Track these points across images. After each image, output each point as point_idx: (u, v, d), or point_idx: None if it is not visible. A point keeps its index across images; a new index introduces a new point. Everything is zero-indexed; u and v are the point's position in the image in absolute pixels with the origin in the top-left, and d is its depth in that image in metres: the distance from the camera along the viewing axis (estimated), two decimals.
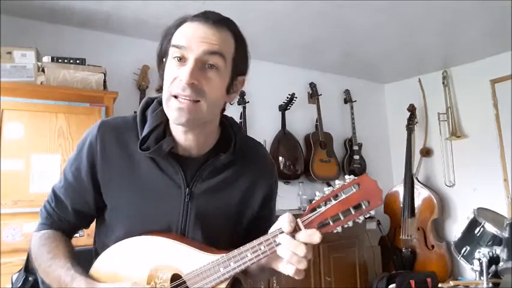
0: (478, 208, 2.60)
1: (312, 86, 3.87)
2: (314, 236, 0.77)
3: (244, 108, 3.35)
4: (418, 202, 3.72)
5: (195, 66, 0.83)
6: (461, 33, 3.20)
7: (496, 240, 2.30)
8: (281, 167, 3.44)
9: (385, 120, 4.59)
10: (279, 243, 0.80)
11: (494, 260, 2.13)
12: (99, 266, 0.92)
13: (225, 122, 1.00)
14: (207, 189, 0.95)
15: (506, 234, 2.18)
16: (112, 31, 2.96)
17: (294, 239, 0.78)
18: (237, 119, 3.00)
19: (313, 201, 0.80)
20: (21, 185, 2.13)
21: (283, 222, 0.79)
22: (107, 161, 0.93)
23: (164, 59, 0.90)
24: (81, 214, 0.98)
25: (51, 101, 2.28)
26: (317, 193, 0.81)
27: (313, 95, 3.85)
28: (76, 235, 1.05)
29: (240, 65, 0.92)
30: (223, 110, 0.98)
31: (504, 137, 3.55)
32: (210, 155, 0.96)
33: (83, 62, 2.44)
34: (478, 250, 2.21)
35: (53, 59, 2.36)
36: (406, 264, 3.59)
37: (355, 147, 3.96)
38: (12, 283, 1.06)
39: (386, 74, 4.33)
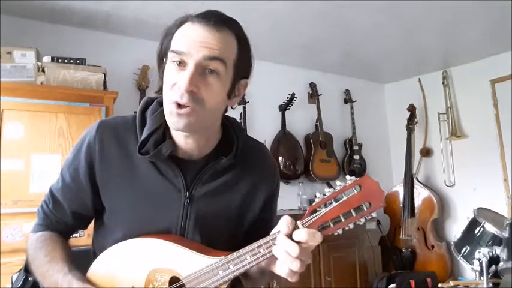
0: (478, 208, 2.60)
1: (312, 86, 3.87)
2: (315, 235, 0.75)
3: (244, 108, 3.35)
4: (418, 202, 3.72)
5: (194, 72, 0.80)
6: (461, 33, 3.20)
7: (496, 240, 2.30)
8: (281, 167, 3.44)
9: (385, 120, 4.59)
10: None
11: (494, 260, 2.13)
12: (96, 269, 0.90)
13: (227, 123, 0.98)
14: (207, 193, 0.93)
15: (506, 234, 2.18)
16: (112, 31, 2.96)
17: (292, 240, 0.76)
18: (237, 119, 3.00)
19: (314, 203, 0.79)
20: (21, 185, 2.13)
21: (282, 225, 0.78)
22: (105, 162, 0.91)
23: (164, 59, 0.88)
24: (79, 216, 0.96)
25: (51, 101, 2.28)
26: (317, 194, 0.80)
27: (313, 95, 3.85)
28: (76, 235, 1.03)
29: (242, 68, 0.89)
30: (225, 111, 0.96)
31: (504, 137, 3.55)
32: (211, 157, 0.94)
33: (83, 62, 2.44)
34: (478, 250, 2.20)
35: (53, 59, 2.36)
36: (406, 264, 3.59)
37: (355, 147, 3.96)
38: (12, 283, 1.06)
39: (386, 74, 4.33)
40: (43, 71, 2.31)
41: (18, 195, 2.11)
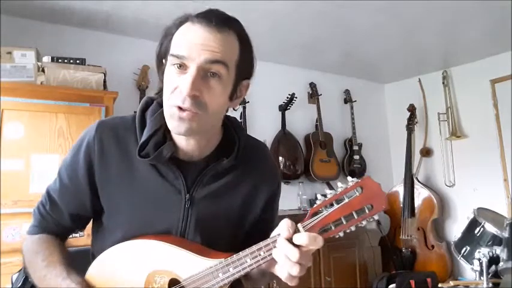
0: (478, 208, 2.60)
1: (312, 86, 3.87)
2: (316, 239, 0.74)
3: (244, 108, 3.34)
4: (418, 202, 3.72)
5: (196, 76, 0.78)
6: (461, 33, 3.19)
7: (496, 240, 2.30)
8: (281, 167, 3.44)
9: (385, 120, 4.59)
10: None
11: (494, 260, 2.12)
12: (94, 271, 0.89)
13: (227, 124, 0.96)
14: (208, 195, 0.92)
15: (506, 234, 2.18)
16: (112, 31, 2.95)
17: (292, 243, 0.75)
18: (237, 119, 2.99)
19: (315, 205, 0.78)
20: (21, 185, 2.12)
21: (282, 228, 0.76)
22: (105, 162, 0.89)
23: (164, 61, 0.86)
24: (77, 217, 0.95)
25: (51, 101, 2.27)
26: (319, 196, 0.79)
27: (313, 95, 3.85)
28: (76, 235, 1.03)
29: (244, 69, 0.87)
30: (226, 111, 0.94)
31: (504, 137, 3.55)
32: (212, 158, 0.93)
33: (83, 62, 2.43)
34: (478, 250, 2.20)
35: (53, 59, 2.35)
36: (406, 264, 3.59)
37: (355, 147, 3.96)
38: (12, 283, 1.06)
39: (386, 74, 4.32)
40: (43, 71, 2.31)
41: (18, 195, 2.10)
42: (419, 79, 4.17)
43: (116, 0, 2.52)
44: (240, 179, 0.95)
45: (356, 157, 3.94)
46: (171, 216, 0.90)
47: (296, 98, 3.62)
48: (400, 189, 3.82)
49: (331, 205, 0.77)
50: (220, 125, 0.95)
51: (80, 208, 0.94)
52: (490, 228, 2.37)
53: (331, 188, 3.53)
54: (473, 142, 3.77)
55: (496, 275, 2.11)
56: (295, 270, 0.75)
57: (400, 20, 2.92)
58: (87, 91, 2.38)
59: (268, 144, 3.50)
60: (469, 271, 3.09)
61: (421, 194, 3.75)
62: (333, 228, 0.77)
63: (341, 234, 0.77)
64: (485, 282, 2.09)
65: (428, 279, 3.06)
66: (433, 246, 3.59)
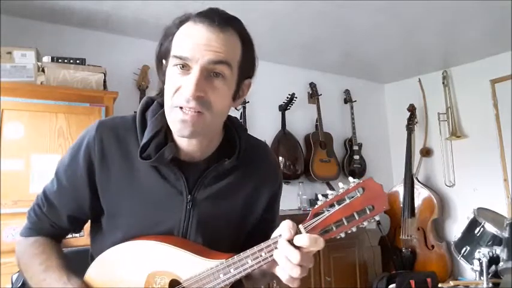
0: (478, 208, 2.60)
1: (312, 86, 3.87)
2: (317, 241, 0.74)
3: (244, 108, 3.34)
4: (418, 202, 3.72)
5: (200, 77, 0.77)
6: (461, 33, 3.19)
7: (496, 240, 2.30)
8: (281, 167, 3.44)
9: (385, 120, 4.59)
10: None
11: (494, 260, 2.13)
12: (94, 271, 0.89)
13: (228, 123, 0.95)
14: (210, 196, 0.91)
15: (506, 234, 2.18)
16: (112, 31, 2.95)
17: (293, 245, 0.74)
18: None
19: (316, 206, 0.77)
20: (21, 185, 2.12)
21: (283, 229, 0.75)
22: (105, 163, 0.88)
23: (164, 61, 0.85)
24: (75, 219, 0.94)
25: (51, 101, 2.27)
26: (320, 197, 0.79)
27: (313, 95, 3.85)
28: (76, 235, 1.02)
29: (246, 68, 0.87)
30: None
31: (504, 137, 3.55)
32: (213, 159, 0.92)
33: (83, 62, 2.43)
34: (478, 250, 2.21)
35: (53, 59, 2.35)
36: (406, 264, 3.59)
37: (355, 147, 3.96)
38: (12, 283, 1.06)
39: (386, 74, 4.32)
40: (43, 71, 2.31)
41: (18, 195, 2.10)
42: (419, 79, 4.17)
43: (116, 0, 2.51)
44: (241, 180, 0.94)
45: (356, 157, 3.94)
46: (172, 217, 0.89)
47: (296, 98, 3.62)
48: (400, 189, 3.82)
49: (333, 206, 0.77)
50: (222, 125, 0.94)
51: (78, 210, 0.92)
52: (490, 228, 2.37)
53: (331, 188, 3.52)
54: (473, 142, 3.77)
55: (496, 275, 2.11)
56: (296, 272, 0.74)
57: (400, 20, 2.92)
58: (87, 91, 2.37)
59: (268, 144, 3.48)
60: (469, 271, 3.10)
61: (421, 194, 3.75)
62: (334, 229, 0.76)
63: (342, 234, 0.77)
64: (485, 282, 2.10)
65: (428, 279, 3.06)
66: (433, 246, 3.59)
